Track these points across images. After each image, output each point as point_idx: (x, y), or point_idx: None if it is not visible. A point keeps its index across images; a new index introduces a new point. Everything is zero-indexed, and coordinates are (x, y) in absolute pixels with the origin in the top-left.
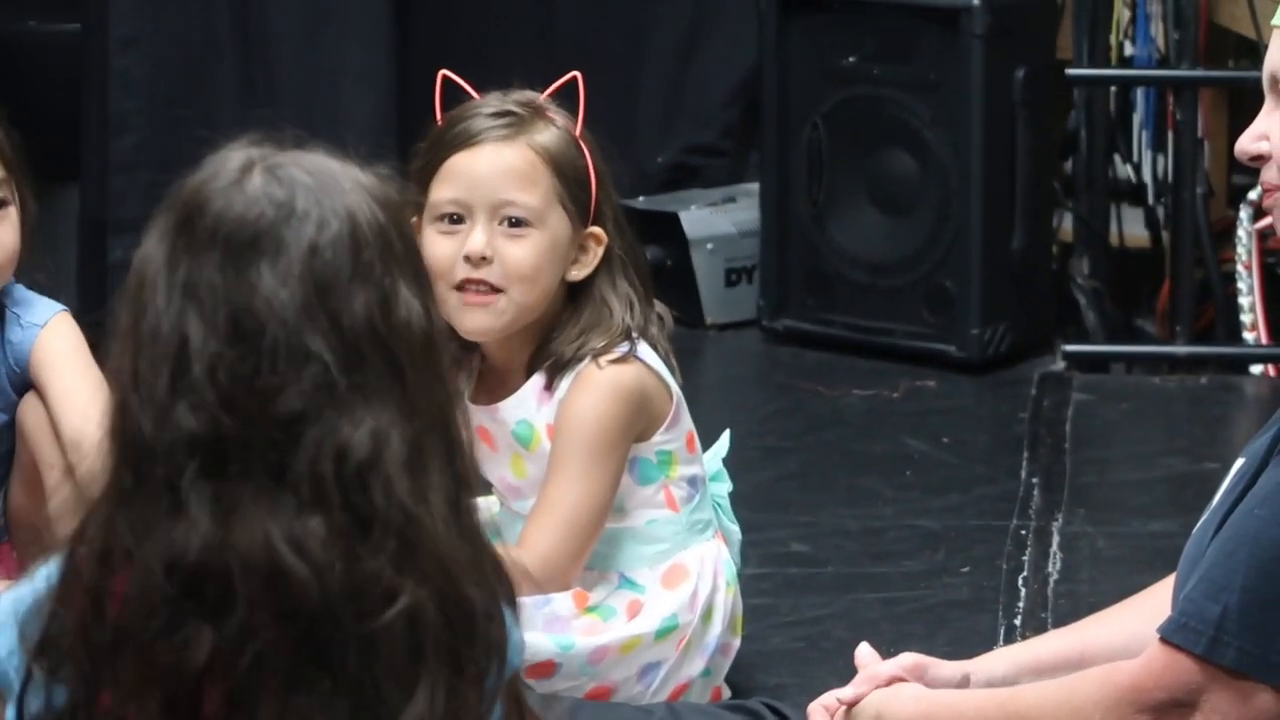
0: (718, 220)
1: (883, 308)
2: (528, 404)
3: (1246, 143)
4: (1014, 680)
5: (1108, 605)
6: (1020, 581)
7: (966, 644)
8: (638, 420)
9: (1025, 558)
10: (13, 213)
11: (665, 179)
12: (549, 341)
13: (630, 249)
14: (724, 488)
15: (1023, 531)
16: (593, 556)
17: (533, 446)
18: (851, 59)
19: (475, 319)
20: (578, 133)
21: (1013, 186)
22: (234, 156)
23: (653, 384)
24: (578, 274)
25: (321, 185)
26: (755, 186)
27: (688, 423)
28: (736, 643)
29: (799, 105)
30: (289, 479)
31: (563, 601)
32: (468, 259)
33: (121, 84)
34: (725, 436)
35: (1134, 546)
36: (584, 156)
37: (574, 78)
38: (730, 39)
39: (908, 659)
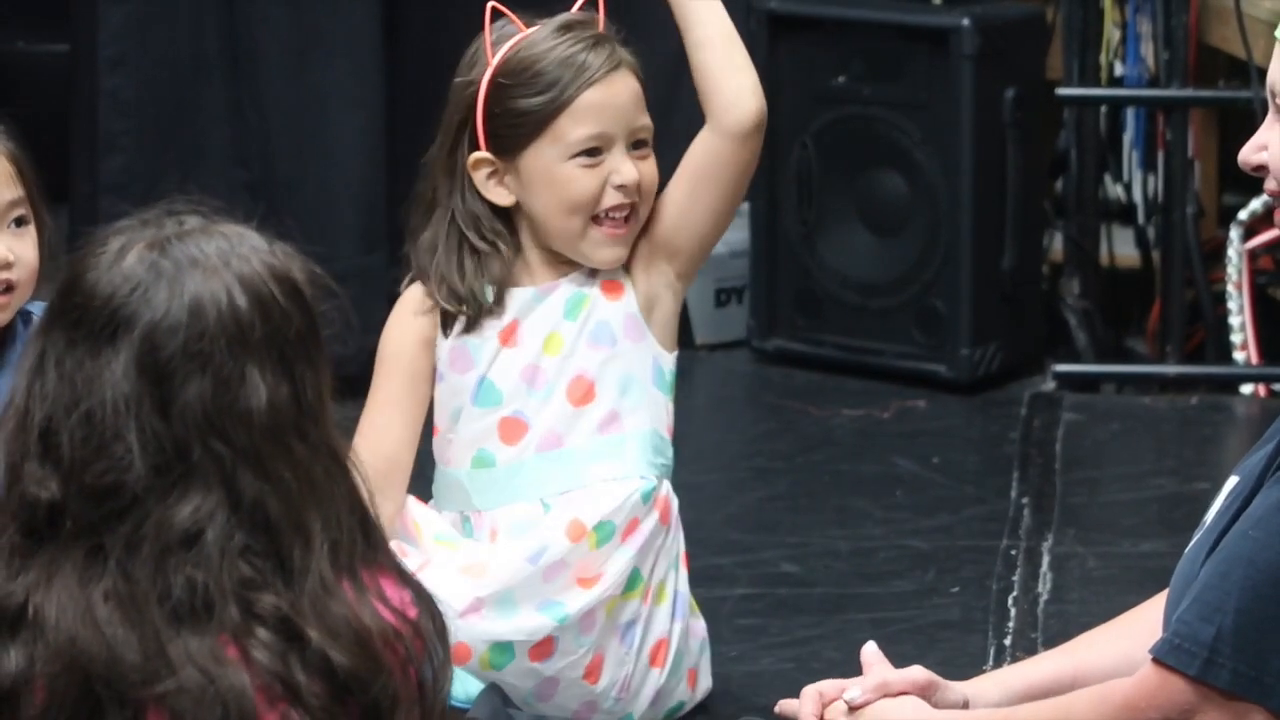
0: None
1: (873, 328)
2: (583, 280)
3: (1248, 153)
4: (1007, 704)
5: (1098, 625)
6: (1010, 602)
7: (957, 664)
8: None
9: (1015, 578)
10: (33, 231)
11: None
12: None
13: None
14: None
15: (1013, 552)
16: (616, 454)
17: (579, 314)
18: (841, 79)
19: (615, 251)
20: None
21: (1003, 206)
22: (122, 234)
23: None
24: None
25: (180, 270)
26: (745, 206)
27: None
28: (700, 626)
29: (789, 125)
30: (108, 555)
31: (556, 539)
32: (624, 189)
33: (110, 104)
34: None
35: (1124, 567)
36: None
37: None
38: None
39: (920, 676)
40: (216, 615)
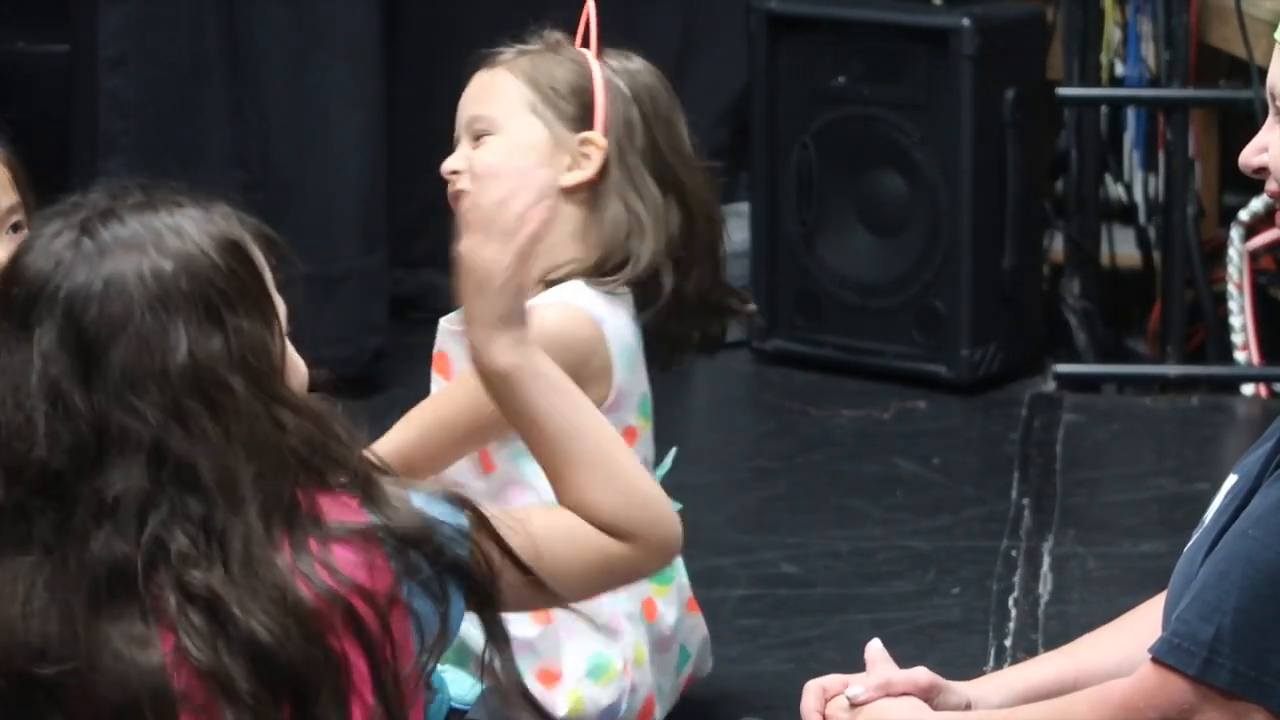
0: None
1: (873, 328)
2: None
3: (1248, 155)
4: (1009, 706)
5: (1098, 626)
6: (1010, 602)
7: (957, 665)
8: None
9: (1015, 579)
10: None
11: None
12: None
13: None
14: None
15: (1013, 552)
16: None
17: None
18: (841, 79)
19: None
20: (594, 51)
21: (1003, 207)
22: (57, 219)
23: (590, 346)
24: (572, 178)
25: (101, 242)
26: (745, 207)
27: (630, 417)
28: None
29: (788, 126)
30: (39, 536)
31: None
32: (444, 176)
33: (111, 105)
34: (670, 457)
35: (1124, 567)
36: (580, 67)
37: (587, 10)
38: (719, 60)
39: (923, 677)
40: (138, 590)
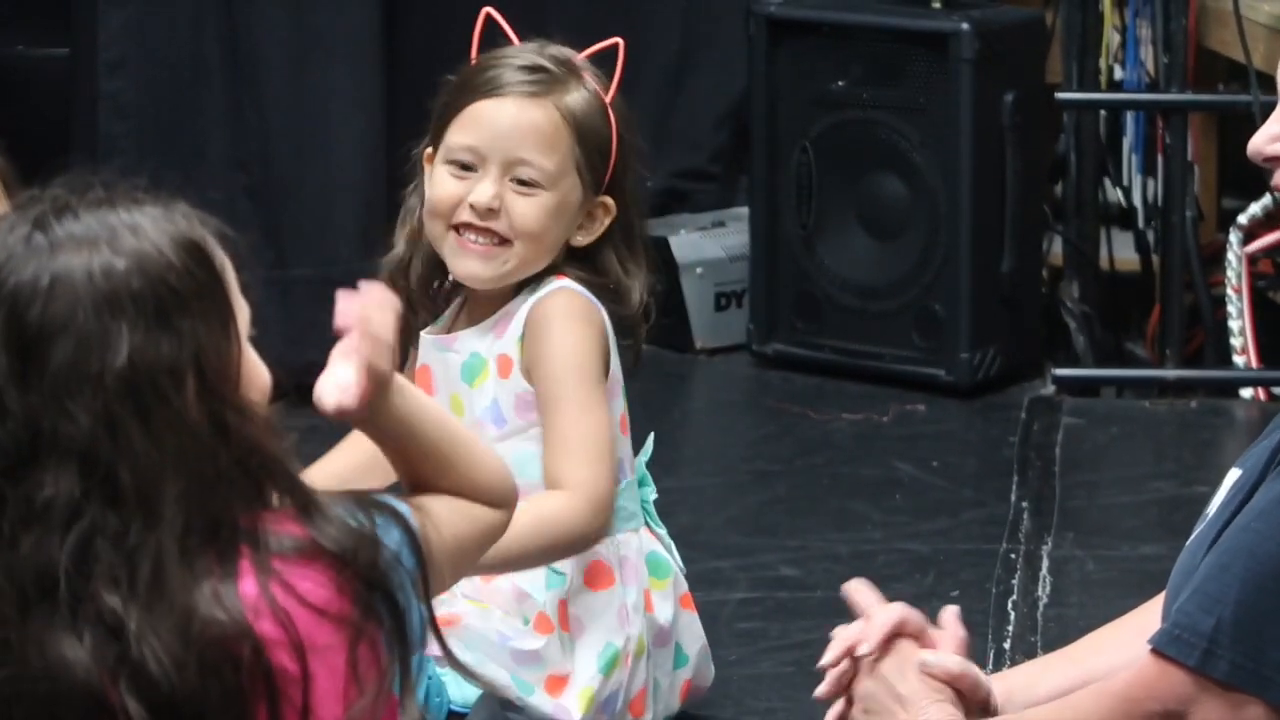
0: (707, 244)
1: (872, 332)
2: (486, 336)
3: (1262, 144)
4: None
5: (1097, 629)
6: (1010, 605)
7: None
8: (604, 352)
9: (1014, 581)
10: None
11: (654, 204)
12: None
13: (640, 228)
14: (650, 493)
15: (1012, 555)
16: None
17: (477, 382)
18: (840, 83)
19: (470, 265)
20: (609, 99)
21: (1002, 210)
22: (16, 214)
23: (604, 328)
24: (582, 239)
25: (51, 238)
26: (745, 210)
27: (621, 403)
28: (692, 621)
29: (788, 129)
30: None
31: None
32: (474, 208)
33: (110, 107)
34: (649, 441)
35: (1123, 570)
36: (610, 125)
37: (615, 44)
38: (719, 64)
39: (913, 621)
40: (60, 600)
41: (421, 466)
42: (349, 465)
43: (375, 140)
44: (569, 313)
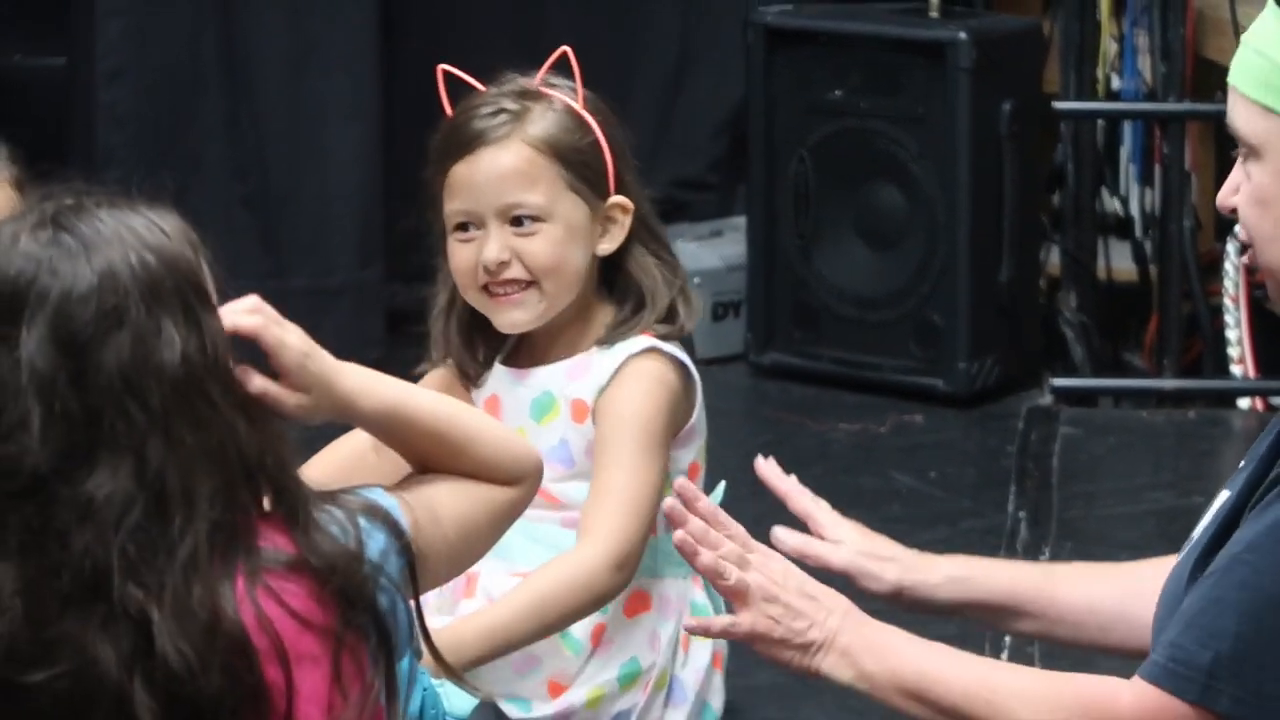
0: (705, 254)
1: (870, 342)
2: (558, 376)
3: (1224, 195)
4: (953, 610)
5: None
6: None
7: None
8: (675, 419)
9: None
10: None
11: None
12: (591, 319)
13: (650, 212)
14: None
15: None
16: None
17: (546, 420)
18: (838, 92)
19: (508, 316)
20: (580, 104)
21: (1000, 220)
22: (11, 221)
23: (683, 392)
24: (608, 247)
25: (81, 239)
26: (742, 220)
27: (694, 452)
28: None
29: (786, 139)
30: (9, 538)
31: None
32: (486, 268)
33: (108, 117)
34: (720, 488)
35: None
36: (589, 129)
37: (564, 53)
38: (717, 73)
39: (854, 564)
40: (103, 595)
41: (421, 451)
42: (340, 461)
43: (372, 150)
44: (649, 377)
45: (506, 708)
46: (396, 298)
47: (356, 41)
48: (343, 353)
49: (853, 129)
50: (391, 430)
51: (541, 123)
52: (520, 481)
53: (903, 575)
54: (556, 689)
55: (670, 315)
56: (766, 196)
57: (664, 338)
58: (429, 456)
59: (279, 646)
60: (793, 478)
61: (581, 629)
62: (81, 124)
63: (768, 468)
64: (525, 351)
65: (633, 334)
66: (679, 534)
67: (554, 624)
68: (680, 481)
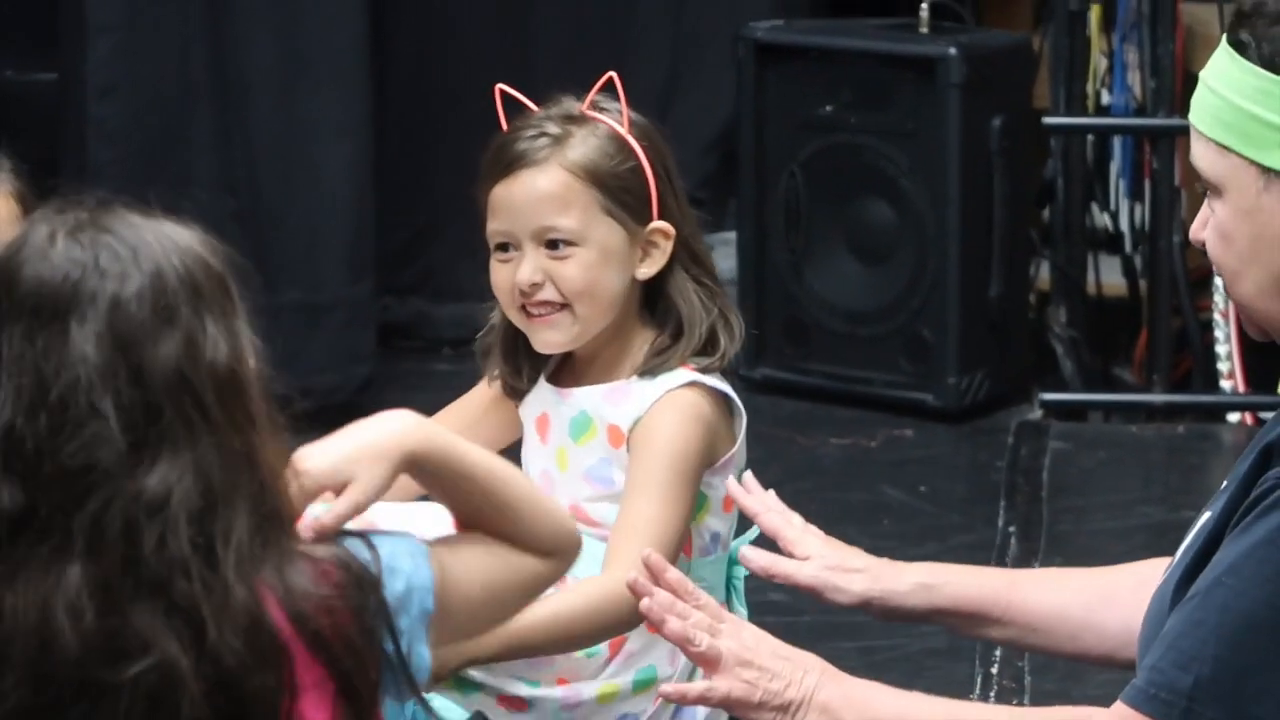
0: None
1: (860, 357)
2: (595, 397)
3: (1195, 229)
4: (923, 617)
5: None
6: None
7: (944, 692)
8: (709, 452)
9: None
10: None
11: None
12: (629, 342)
13: (695, 235)
14: (742, 571)
15: None
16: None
17: (582, 440)
18: (829, 108)
19: (544, 336)
20: (625, 128)
21: (990, 235)
22: (40, 226)
23: (723, 423)
24: (647, 271)
25: (124, 242)
26: (733, 235)
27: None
28: None
29: (776, 154)
30: (74, 538)
31: None
32: (520, 289)
33: (99, 133)
34: (753, 531)
35: None
36: (633, 154)
37: (610, 78)
38: (708, 89)
39: (819, 578)
40: (164, 591)
41: (468, 507)
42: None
43: (362, 166)
44: (686, 411)
45: (514, 686)
46: (387, 312)
47: (347, 58)
48: (333, 366)
49: (843, 144)
50: (442, 479)
51: (581, 148)
52: (556, 555)
53: (870, 585)
54: (567, 682)
55: (712, 342)
56: (757, 211)
57: (705, 369)
58: (474, 513)
59: (316, 641)
60: (771, 493)
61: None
62: (72, 140)
63: (738, 487)
64: (568, 370)
65: (672, 363)
66: (645, 602)
67: (571, 645)
68: (646, 553)
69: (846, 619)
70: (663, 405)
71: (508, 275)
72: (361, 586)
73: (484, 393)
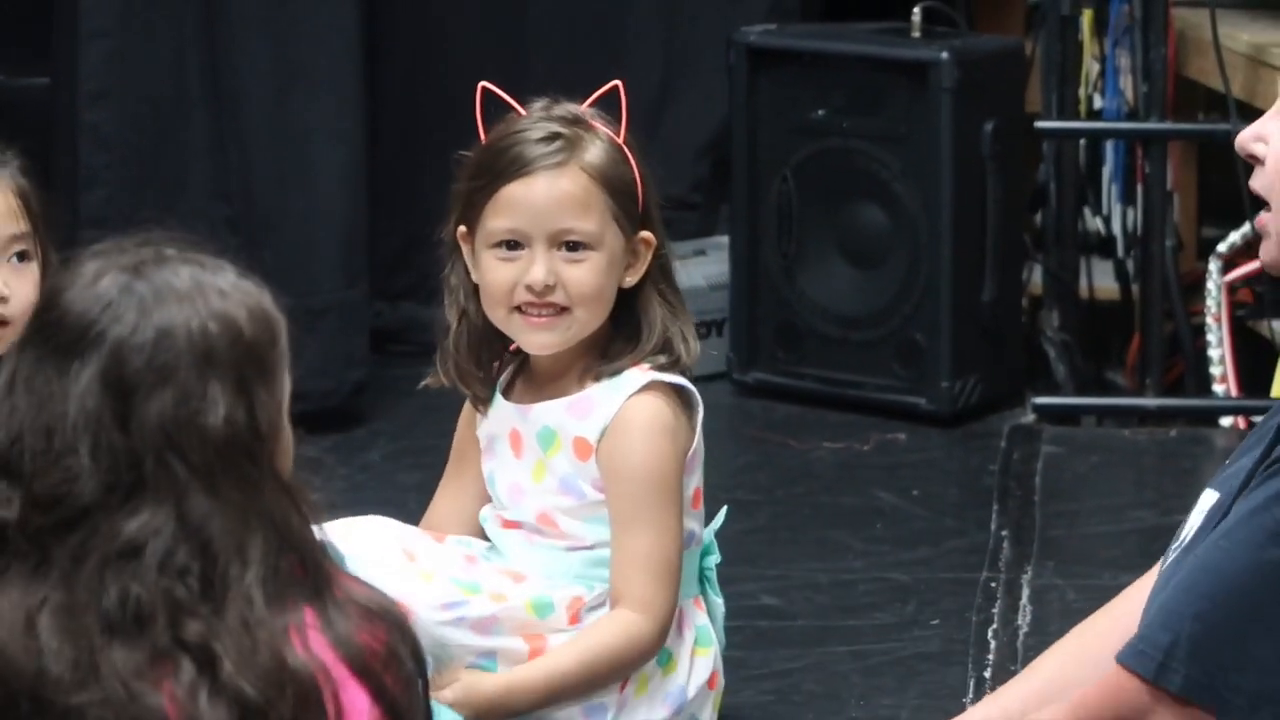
0: (688, 273)
1: (853, 361)
2: (558, 411)
3: (1246, 139)
4: None
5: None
6: (990, 634)
7: (937, 697)
8: (682, 456)
9: (995, 610)
10: (34, 268)
11: None
12: (599, 356)
13: (669, 250)
14: (713, 559)
15: (992, 584)
16: (567, 575)
17: (551, 452)
18: (821, 112)
19: (540, 338)
20: (622, 139)
21: (983, 239)
22: (96, 259)
23: (684, 419)
24: (631, 279)
25: (154, 292)
26: (725, 239)
27: (698, 478)
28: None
29: (769, 158)
30: (54, 565)
31: (516, 642)
32: (530, 288)
33: (91, 139)
34: (722, 512)
35: (1104, 599)
36: (630, 165)
37: (615, 86)
38: (700, 93)
39: None
40: (147, 632)
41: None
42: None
43: (356, 171)
44: (652, 425)
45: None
46: (380, 317)
47: (340, 64)
48: (326, 371)
49: (835, 149)
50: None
51: (595, 151)
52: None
53: None
54: (536, 653)
55: (668, 349)
56: (749, 216)
57: (661, 369)
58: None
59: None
60: None
61: (562, 607)
62: (65, 145)
63: None
64: (523, 383)
65: (626, 366)
66: None
67: (596, 685)
68: None
69: (839, 623)
70: (628, 420)
71: (511, 274)
72: (403, 632)
73: (465, 425)
